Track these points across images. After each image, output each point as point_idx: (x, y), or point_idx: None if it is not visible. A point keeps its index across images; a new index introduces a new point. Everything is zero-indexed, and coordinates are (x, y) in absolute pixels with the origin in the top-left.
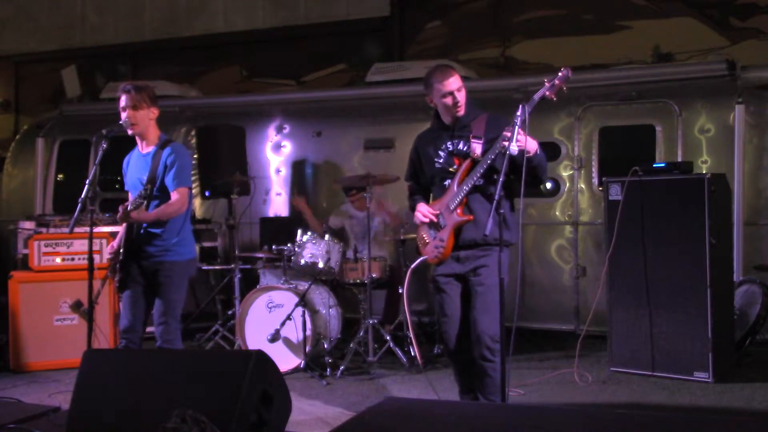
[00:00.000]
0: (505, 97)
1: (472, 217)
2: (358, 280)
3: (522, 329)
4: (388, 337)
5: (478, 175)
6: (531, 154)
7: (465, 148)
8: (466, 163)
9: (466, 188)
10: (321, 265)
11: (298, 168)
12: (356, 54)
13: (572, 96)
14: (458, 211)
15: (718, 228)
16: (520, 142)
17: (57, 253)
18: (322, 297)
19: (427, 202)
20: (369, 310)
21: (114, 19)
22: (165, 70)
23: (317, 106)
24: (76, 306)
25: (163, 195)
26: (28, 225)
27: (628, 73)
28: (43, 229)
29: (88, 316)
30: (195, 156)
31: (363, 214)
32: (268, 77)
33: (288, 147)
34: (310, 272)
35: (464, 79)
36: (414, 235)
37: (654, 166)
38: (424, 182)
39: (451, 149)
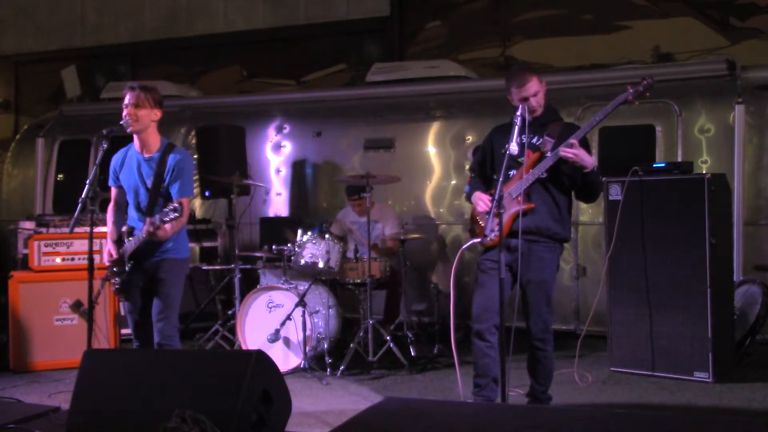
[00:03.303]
0: (505, 97)
1: (533, 205)
2: (358, 280)
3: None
4: (388, 337)
5: (545, 168)
6: (588, 170)
7: (538, 142)
8: (534, 156)
9: (531, 178)
10: (321, 265)
11: (298, 168)
12: (356, 54)
13: (572, 96)
14: (519, 199)
15: (718, 228)
16: (577, 156)
17: (57, 253)
18: (322, 297)
19: (486, 192)
20: (369, 310)
21: (114, 19)
22: (165, 70)
23: (317, 106)
24: (76, 306)
25: (168, 197)
26: (28, 225)
27: (628, 73)
28: (43, 229)
29: (88, 316)
30: (195, 156)
31: (364, 221)
32: (268, 77)
33: (288, 147)
34: (310, 272)
35: (464, 78)
36: (415, 236)
37: (654, 166)
38: (490, 173)
39: (525, 141)
